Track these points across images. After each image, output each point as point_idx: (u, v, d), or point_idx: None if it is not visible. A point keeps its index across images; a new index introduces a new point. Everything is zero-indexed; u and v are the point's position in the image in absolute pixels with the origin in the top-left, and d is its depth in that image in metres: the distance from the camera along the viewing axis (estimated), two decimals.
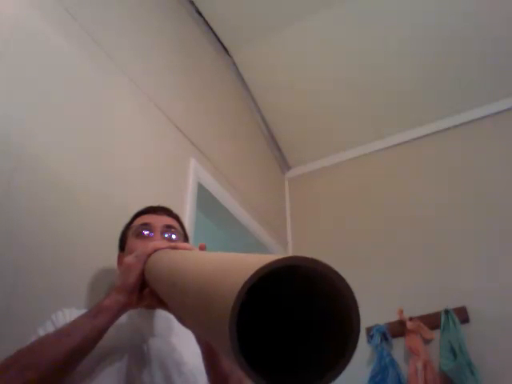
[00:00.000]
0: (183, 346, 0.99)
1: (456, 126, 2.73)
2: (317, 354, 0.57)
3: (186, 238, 1.19)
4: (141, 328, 1.00)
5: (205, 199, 2.05)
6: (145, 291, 0.90)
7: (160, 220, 1.15)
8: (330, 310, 0.55)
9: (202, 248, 0.92)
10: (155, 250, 0.91)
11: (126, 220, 1.22)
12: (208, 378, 0.90)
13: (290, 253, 2.81)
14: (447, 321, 2.12)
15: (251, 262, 0.51)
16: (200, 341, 0.89)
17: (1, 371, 0.77)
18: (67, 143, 1.37)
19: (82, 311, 0.92)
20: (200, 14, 2.47)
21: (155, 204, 1.23)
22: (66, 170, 1.33)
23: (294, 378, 0.55)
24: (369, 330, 2.24)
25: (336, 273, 0.51)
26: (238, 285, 0.47)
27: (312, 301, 0.58)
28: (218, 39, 2.62)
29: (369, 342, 2.23)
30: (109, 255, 1.25)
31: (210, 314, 0.53)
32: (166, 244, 0.93)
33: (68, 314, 0.98)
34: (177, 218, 1.21)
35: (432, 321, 2.17)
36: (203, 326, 0.59)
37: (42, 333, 0.92)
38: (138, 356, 0.94)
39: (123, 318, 0.92)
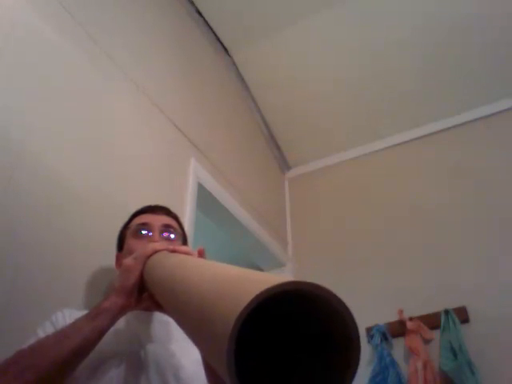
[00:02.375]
0: (181, 351, 0.98)
1: (456, 126, 2.74)
2: (317, 372, 0.57)
3: (184, 238, 1.19)
4: (138, 333, 1.00)
5: (205, 199, 2.05)
6: (144, 294, 0.90)
7: (158, 219, 1.15)
8: (330, 330, 0.55)
9: (201, 252, 0.91)
10: (154, 252, 0.90)
11: (126, 220, 1.22)
12: (208, 383, 0.90)
13: (290, 253, 2.81)
14: (447, 321, 2.12)
15: (252, 285, 0.51)
16: None
17: (0, 372, 0.77)
18: (67, 141, 1.37)
19: (82, 312, 0.92)
20: (200, 14, 2.47)
21: (154, 204, 1.23)
22: (66, 169, 1.33)
23: None
24: (369, 329, 2.24)
25: (336, 297, 0.52)
26: (237, 309, 0.47)
27: (311, 321, 0.58)
28: (218, 39, 2.62)
29: (369, 342, 2.22)
30: (108, 253, 1.25)
31: (208, 331, 0.53)
32: (165, 246, 0.93)
33: (68, 315, 0.98)
34: (175, 217, 1.21)
35: (432, 321, 2.17)
36: (200, 341, 0.58)
37: (41, 333, 0.92)
38: (136, 361, 0.93)
39: (121, 323, 0.92)
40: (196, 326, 0.58)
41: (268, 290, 0.48)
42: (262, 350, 0.64)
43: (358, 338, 0.53)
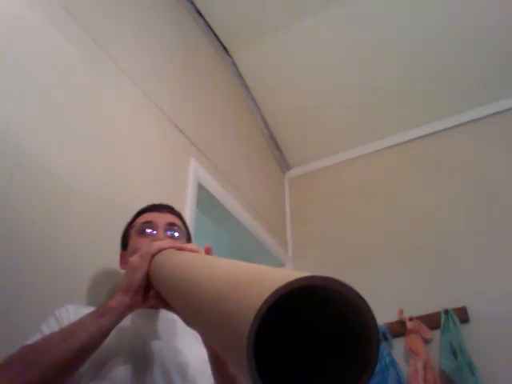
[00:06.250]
0: (187, 348, 0.97)
1: (456, 126, 2.74)
2: (333, 370, 0.56)
3: (188, 236, 1.19)
4: (143, 330, 0.99)
5: (205, 199, 2.05)
6: (150, 293, 0.89)
7: (163, 218, 1.15)
8: (346, 329, 0.54)
9: (208, 250, 0.90)
10: (160, 250, 0.90)
11: (126, 220, 1.22)
12: (215, 380, 0.89)
13: (290, 253, 2.81)
14: (447, 321, 2.12)
15: (272, 278, 0.49)
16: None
17: (4, 368, 0.77)
18: (67, 143, 1.36)
19: (86, 308, 0.92)
20: (200, 13, 2.47)
21: (158, 203, 1.23)
22: (66, 170, 1.33)
23: None
24: None
25: (357, 294, 0.51)
26: (257, 302, 0.46)
27: (327, 319, 0.57)
28: (218, 39, 2.62)
29: None
30: (109, 255, 1.25)
31: (226, 328, 0.51)
32: (170, 244, 0.92)
33: (72, 311, 0.97)
34: (179, 215, 1.21)
35: (432, 321, 2.17)
36: (216, 339, 0.57)
37: (45, 329, 0.92)
38: (140, 359, 0.93)
39: (126, 321, 0.91)
40: (210, 320, 0.57)
41: (295, 281, 0.46)
42: (276, 346, 0.62)
43: (377, 334, 0.52)
